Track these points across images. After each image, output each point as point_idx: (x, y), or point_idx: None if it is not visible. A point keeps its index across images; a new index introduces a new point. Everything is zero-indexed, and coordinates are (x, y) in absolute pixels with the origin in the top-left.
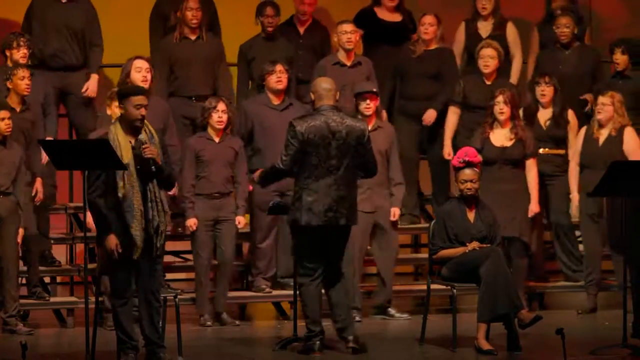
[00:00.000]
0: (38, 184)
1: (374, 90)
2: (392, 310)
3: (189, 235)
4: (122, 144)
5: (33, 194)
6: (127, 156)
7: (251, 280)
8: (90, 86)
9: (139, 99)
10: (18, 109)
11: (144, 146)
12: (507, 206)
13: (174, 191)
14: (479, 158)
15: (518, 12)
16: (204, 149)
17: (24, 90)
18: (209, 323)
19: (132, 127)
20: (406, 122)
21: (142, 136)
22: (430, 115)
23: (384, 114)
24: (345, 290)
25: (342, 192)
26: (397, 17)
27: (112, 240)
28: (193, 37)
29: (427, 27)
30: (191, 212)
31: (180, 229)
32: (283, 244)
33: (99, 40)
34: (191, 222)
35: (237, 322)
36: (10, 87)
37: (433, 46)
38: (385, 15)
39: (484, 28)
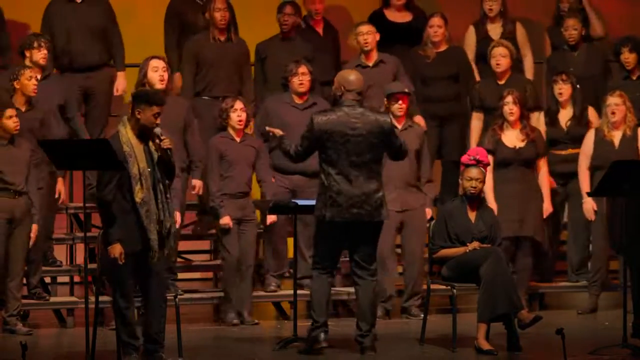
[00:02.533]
0: (60, 184)
1: (406, 90)
2: (414, 310)
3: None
4: (136, 149)
5: (57, 196)
6: (142, 161)
7: (262, 276)
8: (120, 85)
9: (159, 109)
10: (23, 109)
11: (163, 137)
12: (520, 206)
13: (200, 190)
14: (489, 160)
15: (527, 13)
16: (227, 149)
17: (32, 92)
18: (235, 321)
19: (144, 132)
20: (427, 124)
21: (157, 129)
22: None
23: (419, 117)
24: (371, 292)
25: (365, 188)
26: (407, 17)
27: (118, 249)
28: (222, 38)
29: (436, 28)
30: (224, 211)
31: (199, 228)
32: (301, 245)
33: (119, 38)
34: (226, 220)
35: (257, 321)
36: (17, 87)
37: (443, 47)
38: (394, 16)
39: (494, 30)
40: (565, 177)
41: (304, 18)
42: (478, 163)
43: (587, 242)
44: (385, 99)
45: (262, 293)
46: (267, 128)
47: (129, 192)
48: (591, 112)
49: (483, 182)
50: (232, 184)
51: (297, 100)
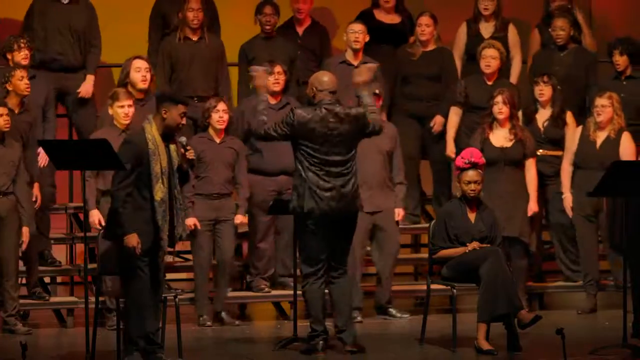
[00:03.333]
0: (36, 189)
1: (377, 91)
2: (392, 310)
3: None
4: (160, 148)
5: (33, 199)
6: (164, 160)
7: (250, 280)
8: (86, 87)
9: (184, 108)
10: (17, 110)
11: (188, 147)
12: (507, 206)
13: None
14: (484, 160)
15: (517, 13)
16: (205, 149)
17: (24, 91)
18: (208, 323)
19: (170, 132)
20: (408, 123)
21: (183, 138)
22: (439, 122)
23: (383, 115)
24: (347, 291)
25: (343, 183)
26: (395, 19)
27: (135, 239)
28: (195, 38)
29: (424, 27)
30: (190, 212)
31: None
32: (282, 244)
33: (98, 41)
34: (190, 222)
35: (237, 322)
36: (9, 88)
37: (431, 47)
38: (383, 17)
39: (486, 29)
40: (540, 177)
41: (291, 17)
42: (473, 166)
43: (574, 242)
44: (357, 98)
45: (262, 293)
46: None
47: (146, 189)
48: (569, 116)
49: (481, 183)
50: (207, 185)
51: (271, 101)
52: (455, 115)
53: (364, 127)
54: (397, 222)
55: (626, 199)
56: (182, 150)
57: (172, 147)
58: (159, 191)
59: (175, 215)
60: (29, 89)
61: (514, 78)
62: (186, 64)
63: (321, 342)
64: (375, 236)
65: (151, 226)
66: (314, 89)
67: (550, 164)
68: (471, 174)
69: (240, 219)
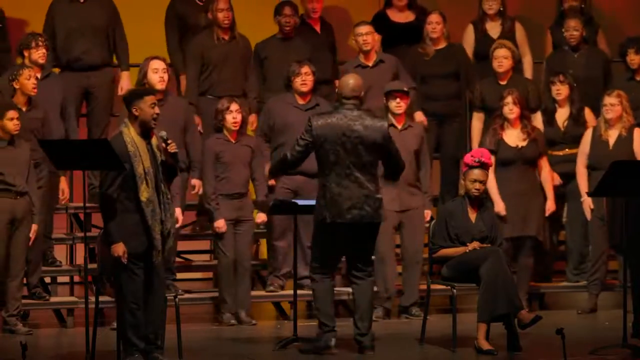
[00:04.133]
0: (63, 183)
1: (405, 89)
2: (414, 310)
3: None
4: (140, 149)
5: (61, 195)
6: (146, 161)
7: (266, 277)
8: (125, 85)
9: (152, 98)
10: (24, 109)
11: (169, 141)
12: (523, 205)
13: (199, 189)
14: (492, 162)
15: (526, 12)
16: (222, 150)
17: (31, 91)
18: (232, 322)
19: (146, 127)
20: (427, 121)
21: (163, 132)
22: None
23: (419, 114)
24: (369, 293)
25: (365, 190)
26: (409, 17)
27: (121, 248)
28: (227, 38)
29: (435, 25)
30: (218, 214)
31: (198, 228)
32: (302, 245)
33: (124, 37)
34: (220, 224)
35: (254, 322)
36: (16, 87)
37: (442, 44)
38: (397, 16)
39: (493, 29)
40: (564, 177)
41: (301, 16)
42: (481, 165)
43: (586, 242)
44: (384, 97)
45: (262, 293)
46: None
47: (132, 191)
48: (588, 113)
49: (485, 184)
50: (228, 184)
51: (300, 101)
52: (477, 121)
53: (386, 141)
54: (423, 222)
55: (626, 199)
56: (164, 144)
57: (154, 142)
58: (145, 192)
59: (163, 210)
60: (35, 89)
61: (528, 74)
62: (219, 64)
63: (333, 338)
64: (402, 235)
65: (141, 228)
66: (338, 92)
67: (573, 163)
68: (477, 173)
69: (262, 217)
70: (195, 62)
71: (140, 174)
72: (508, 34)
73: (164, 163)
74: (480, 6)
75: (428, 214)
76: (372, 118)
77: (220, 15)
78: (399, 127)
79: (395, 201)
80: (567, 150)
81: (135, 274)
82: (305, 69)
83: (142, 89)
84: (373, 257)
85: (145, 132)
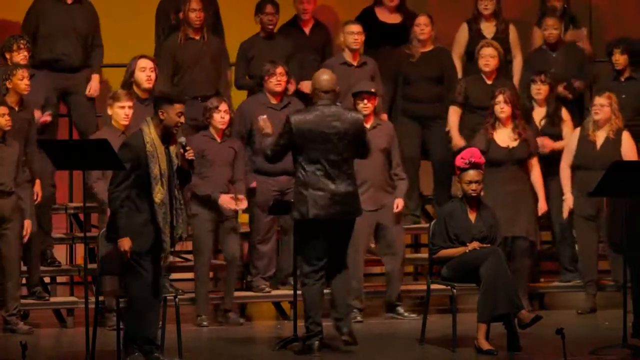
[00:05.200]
0: (37, 186)
1: (372, 90)
2: (401, 309)
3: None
4: (159, 150)
5: (34, 197)
6: (163, 162)
7: (250, 280)
8: (93, 86)
9: (181, 107)
10: (17, 109)
11: (188, 147)
12: (513, 206)
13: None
14: (483, 159)
15: (518, 13)
16: (207, 148)
17: (24, 90)
18: (205, 323)
19: (168, 133)
20: (409, 124)
21: (183, 138)
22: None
23: (384, 116)
24: (347, 283)
25: (344, 186)
26: (397, 18)
27: (127, 243)
28: (197, 38)
29: (423, 27)
30: (218, 195)
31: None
32: (286, 243)
33: (100, 41)
34: (226, 198)
35: (242, 321)
36: (9, 87)
37: (429, 47)
38: (385, 16)
39: (487, 29)
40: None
41: (294, 16)
42: (473, 166)
43: (574, 241)
44: (352, 97)
45: (262, 293)
46: (261, 119)
47: (144, 191)
48: (564, 112)
49: (482, 182)
50: (209, 184)
51: (273, 101)
52: (454, 114)
53: (362, 132)
54: (398, 214)
55: (626, 199)
56: (182, 150)
57: (172, 148)
58: (159, 193)
59: (175, 216)
60: (28, 89)
61: (516, 77)
62: (190, 65)
63: (317, 342)
64: (380, 234)
65: (150, 228)
66: (314, 88)
67: (550, 162)
68: (472, 174)
69: (240, 198)
70: (167, 63)
71: (155, 174)
72: (502, 35)
73: (179, 169)
74: (476, 6)
75: (400, 202)
76: (348, 112)
77: (192, 15)
78: (368, 126)
79: (369, 201)
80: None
81: (142, 272)
82: (280, 69)
83: (175, 95)
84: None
85: (166, 137)
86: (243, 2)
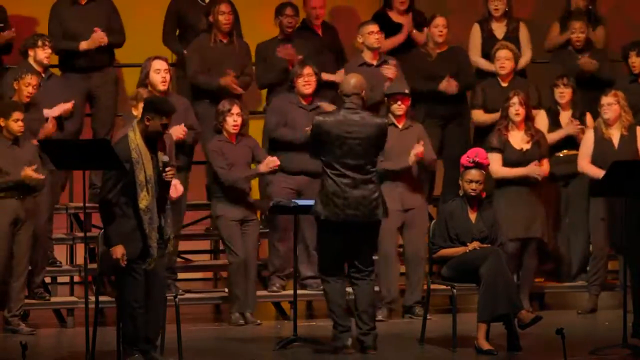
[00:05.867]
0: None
1: (406, 91)
2: (418, 310)
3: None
4: (144, 156)
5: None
6: (149, 169)
7: (267, 276)
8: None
9: (167, 120)
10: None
11: (167, 169)
12: (527, 207)
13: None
14: (488, 161)
15: (532, 14)
16: (227, 151)
17: (24, 98)
18: (241, 322)
19: (151, 139)
20: (429, 124)
21: (165, 158)
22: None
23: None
24: (370, 294)
25: (361, 190)
26: (408, 19)
27: (120, 250)
28: (225, 41)
29: (441, 28)
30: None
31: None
32: (305, 245)
33: (122, 29)
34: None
35: (259, 322)
36: (16, 87)
37: (445, 47)
38: (397, 17)
39: (499, 29)
40: (564, 178)
41: (303, 20)
42: (477, 165)
43: (587, 244)
44: (386, 99)
45: (263, 293)
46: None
47: (131, 197)
48: (589, 117)
49: (483, 183)
50: (232, 185)
51: (303, 102)
52: (480, 116)
53: (384, 137)
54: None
55: (626, 199)
56: (162, 169)
57: (160, 154)
58: (144, 199)
59: (164, 218)
60: (28, 97)
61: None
62: (216, 67)
63: (349, 338)
64: (404, 234)
65: (137, 233)
66: (340, 90)
67: (574, 164)
68: (473, 173)
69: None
70: (195, 56)
71: (141, 181)
72: (512, 35)
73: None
74: (486, 6)
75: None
76: (371, 117)
77: (222, 19)
78: (400, 126)
79: (397, 201)
80: (566, 151)
81: (135, 275)
82: (308, 70)
83: (165, 104)
84: (375, 257)
85: (150, 143)
86: (258, 6)
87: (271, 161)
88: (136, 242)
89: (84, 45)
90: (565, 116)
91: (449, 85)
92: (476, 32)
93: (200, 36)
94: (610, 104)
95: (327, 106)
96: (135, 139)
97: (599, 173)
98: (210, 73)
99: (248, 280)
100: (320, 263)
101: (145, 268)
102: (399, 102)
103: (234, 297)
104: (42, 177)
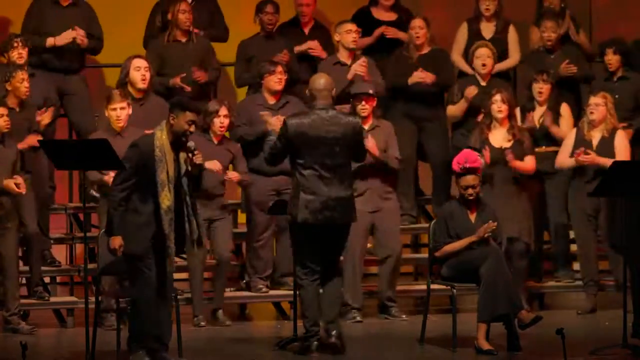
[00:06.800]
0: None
1: (370, 91)
2: (393, 310)
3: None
4: (168, 156)
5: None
6: (171, 169)
7: (247, 280)
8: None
9: (192, 116)
10: (17, 109)
11: (196, 152)
12: (506, 206)
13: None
14: (480, 162)
15: (516, 13)
16: (203, 149)
17: (24, 94)
18: (202, 323)
19: (177, 139)
20: (405, 124)
21: (192, 143)
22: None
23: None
24: (338, 289)
25: (338, 191)
26: (392, 16)
27: (118, 241)
28: (184, 40)
29: (417, 30)
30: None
31: None
32: (282, 243)
33: (101, 36)
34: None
35: (228, 322)
36: (9, 88)
37: (426, 49)
38: (381, 15)
39: (487, 29)
40: (542, 175)
41: (294, 17)
42: (469, 171)
43: (567, 241)
44: (351, 99)
45: (262, 293)
46: (263, 114)
47: (147, 194)
48: (564, 107)
49: (479, 185)
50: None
51: (270, 101)
52: (454, 108)
53: (359, 136)
54: (395, 217)
55: (626, 199)
56: (190, 154)
57: (182, 155)
58: (166, 199)
59: (187, 222)
60: (28, 92)
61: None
62: (176, 66)
63: (315, 342)
64: (375, 235)
65: (148, 230)
66: (310, 91)
67: (550, 161)
68: (468, 179)
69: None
70: (154, 61)
71: (162, 180)
72: (500, 35)
73: (188, 173)
74: (477, 6)
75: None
76: (345, 116)
77: (181, 17)
78: (366, 127)
79: (366, 202)
80: (543, 147)
81: (145, 272)
82: (280, 68)
83: (190, 102)
84: (341, 258)
85: (175, 143)
86: (243, 3)
87: (234, 176)
88: (144, 238)
89: (50, 41)
90: (539, 111)
91: (424, 75)
92: (463, 30)
93: (156, 38)
94: (598, 104)
95: (268, 117)
96: (161, 137)
97: (572, 161)
98: (169, 73)
99: (219, 278)
100: (296, 264)
101: (167, 269)
102: (363, 103)
103: (195, 298)
104: (22, 192)
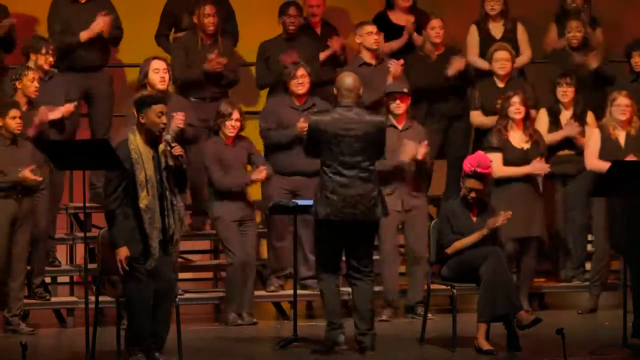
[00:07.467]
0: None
1: (405, 90)
2: (420, 310)
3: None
4: (144, 156)
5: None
6: (149, 169)
7: (265, 276)
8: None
9: (161, 107)
10: (24, 109)
11: (173, 144)
12: (526, 207)
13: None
14: (490, 169)
15: (528, 12)
16: (223, 152)
17: (32, 93)
18: (239, 322)
19: (152, 136)
20: (430, 123)
21: (168, 136)
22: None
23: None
24: (369, 294)
25: (359, 189)
26: (409, 19)
27: (124, 252)
28: (209, 42)
29: (438, 30)
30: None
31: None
32: (305, 245)
33: (121, 26)
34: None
35: (255, 320)
36: (19, 87)
37: (442, 48)
38: (398, 18)
39: (496, 29)
40: (562, 178)
41: (305, 19)
42: (477, 175)
43: (586, 243)
44: (385, 98)
45: (263, 293)
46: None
47: (133, 198)
48: (589, 115)
49: (482, 191)
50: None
51: (297, 102)
52: (479, 116)
53: (382, 135)
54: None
55: (626, 199)
56: (168, 147)
57: (161, 149)
58: (144, 199)
59: (167, 217)
60: (36, 92)
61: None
62: (200, 67)
63: (341, 335)
64: (405, 234)
65: (135, 234)
66: (339, 90)
67: (574, 164)
68: (473, 182)
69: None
70: (180, 54)
71: (141, 181)
72: (510, 35)
73: (170, 168)
74: (482, 7)
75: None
76: (369, 115)
77: (205, 21)
78: (400, 127)
79: (397, 201)
80: (566, 150)
81: (138, 275)
82: (301, 72)
83: (151, 96)
84: (375, 257)
85: (152, 140)
86: (258, 4)
87: (259, 172)
88: (136, 241)
89: (84, 35)
90: (566, 115)
91: (459, 64)
92: (474, 32)
93: (185, 33)
94: (628, 105)
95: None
96: (134, 140)
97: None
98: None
99: (247, 280)
100: (318, 262)
101: (147, 267)
102: (398, 101)
103: (230, 297)
104: (39, 178)
